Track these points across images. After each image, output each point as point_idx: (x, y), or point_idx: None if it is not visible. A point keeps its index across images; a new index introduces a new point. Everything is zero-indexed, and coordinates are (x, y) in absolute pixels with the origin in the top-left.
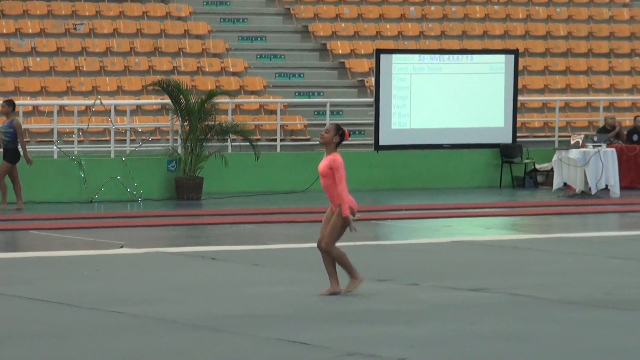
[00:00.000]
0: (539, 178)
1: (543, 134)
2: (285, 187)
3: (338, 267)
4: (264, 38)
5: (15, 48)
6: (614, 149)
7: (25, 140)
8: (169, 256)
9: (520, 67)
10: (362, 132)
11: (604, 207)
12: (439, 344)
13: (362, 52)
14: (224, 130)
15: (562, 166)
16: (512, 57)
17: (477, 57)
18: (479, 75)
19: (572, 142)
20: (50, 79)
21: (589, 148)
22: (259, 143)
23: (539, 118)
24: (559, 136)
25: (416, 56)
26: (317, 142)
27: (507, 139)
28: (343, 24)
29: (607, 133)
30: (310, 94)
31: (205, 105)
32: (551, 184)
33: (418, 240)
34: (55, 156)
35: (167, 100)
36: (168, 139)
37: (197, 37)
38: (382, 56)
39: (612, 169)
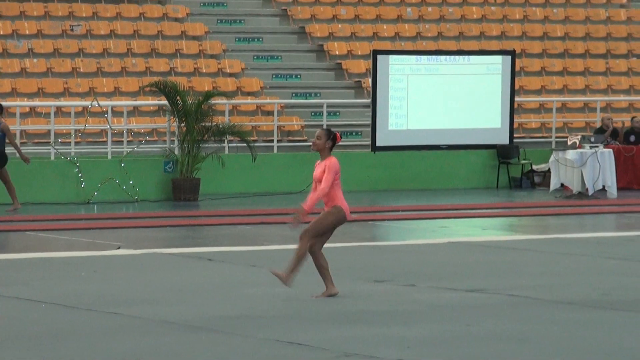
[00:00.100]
0: (536, 179)
1: (540, 135)
2: (282, 188)
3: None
4: (260, 39)
5: (12, 49)
6: (611, 150)
7: (22, 141)
8: (166, 257)
9: (517, 68)
10: (359, 133)
11: (601, 208)
12: (436, 345)
13: (359, 53)
14: (221, 131)
15: (559, 167)
16: (509, 58)
17: (474, 58)
18: (476, 76)
19: (569, 142)
20: (47, 80)
21: (586, 149)
22: (256, 144)
23: (536, 119)
24: (556, 137)
25: (413, 57)
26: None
27: (504, 139)
28: (340, 25)
29: (604, 134)
30: (307, 95)
31: (202, 106)
32: (548, 185)
33: (415, 241)
34: (53, 157)
35: (164, 102)
36: (165, 140)
37: (194, 38)
38: (379, 57)
39: (610, 169)
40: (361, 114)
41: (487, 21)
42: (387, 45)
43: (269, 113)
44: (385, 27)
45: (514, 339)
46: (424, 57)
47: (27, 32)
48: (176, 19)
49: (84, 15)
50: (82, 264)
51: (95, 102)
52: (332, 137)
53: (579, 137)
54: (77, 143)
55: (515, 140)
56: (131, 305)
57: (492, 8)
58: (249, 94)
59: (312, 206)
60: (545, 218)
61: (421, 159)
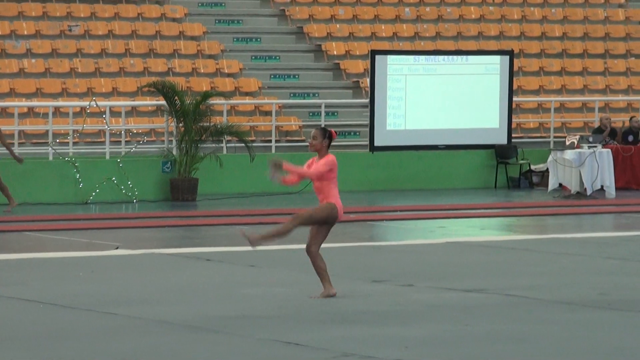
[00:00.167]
0: (534, 179)
1: (538, 135)
2: (280, 188)
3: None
4: (258, 39)
5: (10, 49)
6: (609, 150)
7: (20, 141)
8: (164, 257)
9: (515, 68)
10: (357, 133)
11: (599, 208)
12: (434, 345)
13: (357, 53)
14: (219, 131)
15: (558, 167)
16: (507, 58)
17: (472, 58)
18: (474, 76)
19: (568, 142)
20: (45, 80)
21: (585, 149)
22: (254, 144)
23: (534, 119)
24: (554, 137)
25: (411, 57)
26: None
27: (502, 139)
28: (338, 25)
29: (602, 134)
30: (305, 95)
31: (200, 106)
32: (546, 185)
33: (413, 241)
34: (51, 158)
35: (162, 102)
36: (163, 140)
37: (192, 38)
38: (377, 57)
39: (608, 169)
40: (359, 114)
41: (485, 21)
42: (385, 45)
43: (267, 113)
44: (383, 27)
45: (513, 339)
46: (422, 57)
47: (25, 33)
48: (174, 19)
49: (82, 15)
50: (80, 264)
51: (93, 103)
52: (328, 136)
53: (577, 137)
54: (75, 143)
55: (513, 140)
56: (129, 306)
57: (490, 8)
58: (247, 94)
59: (292, 171)
60: (544, 218)
61: (419, 159)
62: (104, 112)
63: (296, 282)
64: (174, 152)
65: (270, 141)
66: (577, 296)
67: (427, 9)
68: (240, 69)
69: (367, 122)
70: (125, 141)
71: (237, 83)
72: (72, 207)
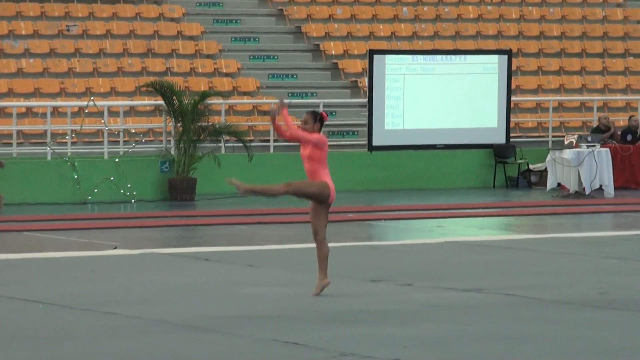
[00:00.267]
0: (533, 178)
1: (537, 134)
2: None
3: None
4: (257, 39)
5: (8, 49)
6: (608, 149)
7: (18, 141)
8: (162, 257)
9: (513, 68)
10: (356, 133)
11: (598, 207)
12: (433, 345)
13: (355, 52)
14: (217, 131)
15: (556, 166)
16: (505, 57)
17: (470, 58)
18: (472, 76)
19: (566, 142)
20: (43, 80)
21: (583, 148)
22: (252, 144)
23: (533, 118)
24: (553, 136)
25: (409, 57)
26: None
27: (500, 139)
28: (336, 25)
29: (601, 133)
30: (304, 94)
31: (199, 106)
32: (545, 184)
33: (412, 240)
34: (49, 157)
35: (161, 102)
36: (161, 140)
37: (190, 38)
38: (375, 57)
39: (606, 169)
40: (357, 113)
41: (483, 20)
42: (383, 45)
43: (265, 113)
44: (381, 27)
45: (511, 338)
46: (420, 57)
47: (24, 32)
48: (172, 19)
49: (80, 15)
50: (78, 264)
51: (91, 102)
52: (319, 119)
53: (576, 136)
54: (73, 143)
55: (511, 139)
56: (128, 305)
57: (489, 7)
58: (245, 93)
59: (287, 122)
60: (542, 217)
61: (418, 158)
62: (102, 112)
63: (295, 281)
64: (172, 152)
65: (268, 141)
66: (577, 296)
67: (425, 8)
68: (238, 69)
69: (366, 121)
70: (124, 141)
71: (235, 83)
72: (71, 207)
